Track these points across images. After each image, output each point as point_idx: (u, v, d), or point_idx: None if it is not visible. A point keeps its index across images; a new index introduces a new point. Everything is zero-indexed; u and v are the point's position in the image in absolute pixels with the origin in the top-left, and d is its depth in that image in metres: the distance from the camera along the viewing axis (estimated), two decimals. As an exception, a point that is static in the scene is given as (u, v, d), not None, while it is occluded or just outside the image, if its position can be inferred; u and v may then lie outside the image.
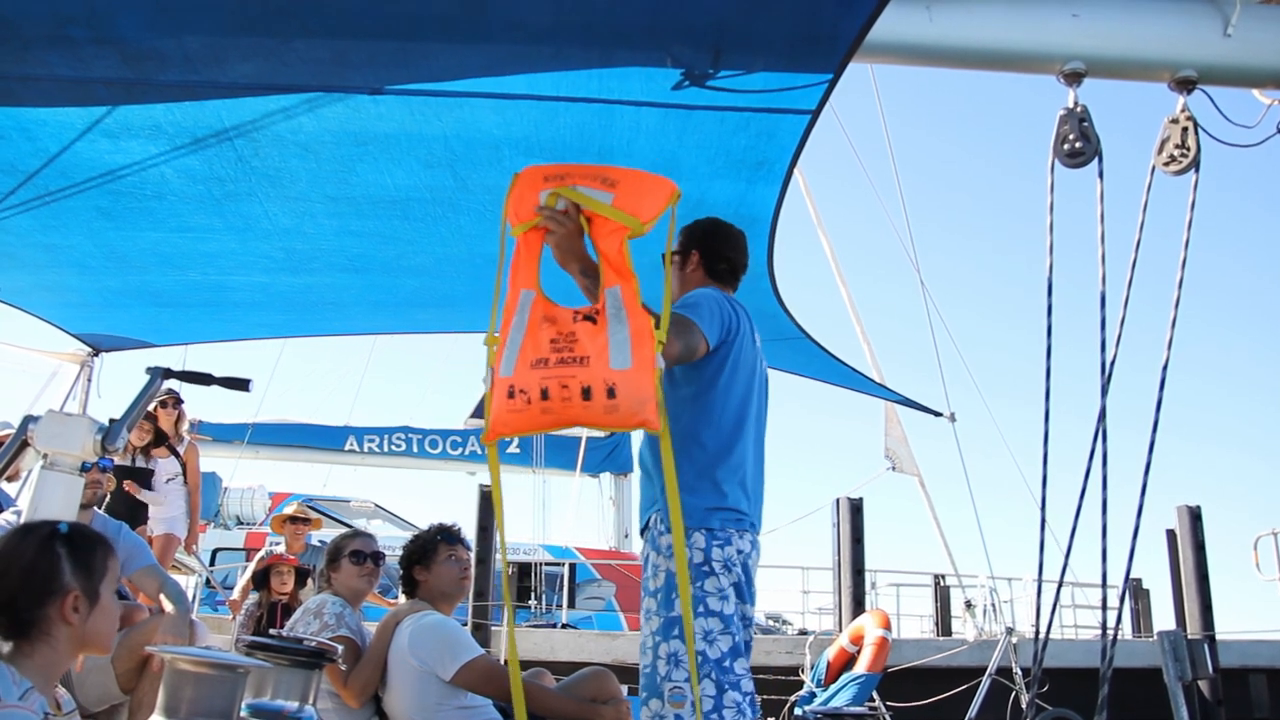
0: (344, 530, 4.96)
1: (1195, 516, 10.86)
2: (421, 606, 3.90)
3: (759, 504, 3.04)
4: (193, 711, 2.38)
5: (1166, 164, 3.43)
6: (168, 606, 4.07)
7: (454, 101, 3.42)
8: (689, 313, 2.86)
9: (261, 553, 7.61)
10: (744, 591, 2.84)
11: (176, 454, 7.08)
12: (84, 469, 2.86)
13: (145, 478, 6.76)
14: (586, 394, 2.35)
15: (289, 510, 7.66)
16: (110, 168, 3.77)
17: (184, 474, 7.14)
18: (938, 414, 9.03)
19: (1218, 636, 10.22)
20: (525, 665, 4.01)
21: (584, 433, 16.04)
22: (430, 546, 4.01)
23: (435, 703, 3.68)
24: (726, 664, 2.69)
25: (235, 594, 7.80)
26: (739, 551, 2.82)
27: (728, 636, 2.72)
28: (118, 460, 6.27)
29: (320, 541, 7.53)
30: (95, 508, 4.44)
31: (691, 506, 2.80)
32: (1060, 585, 3.59)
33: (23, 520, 2.75)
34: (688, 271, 3.25)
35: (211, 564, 13.15)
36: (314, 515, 7.69)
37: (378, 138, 3.64)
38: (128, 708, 3.86)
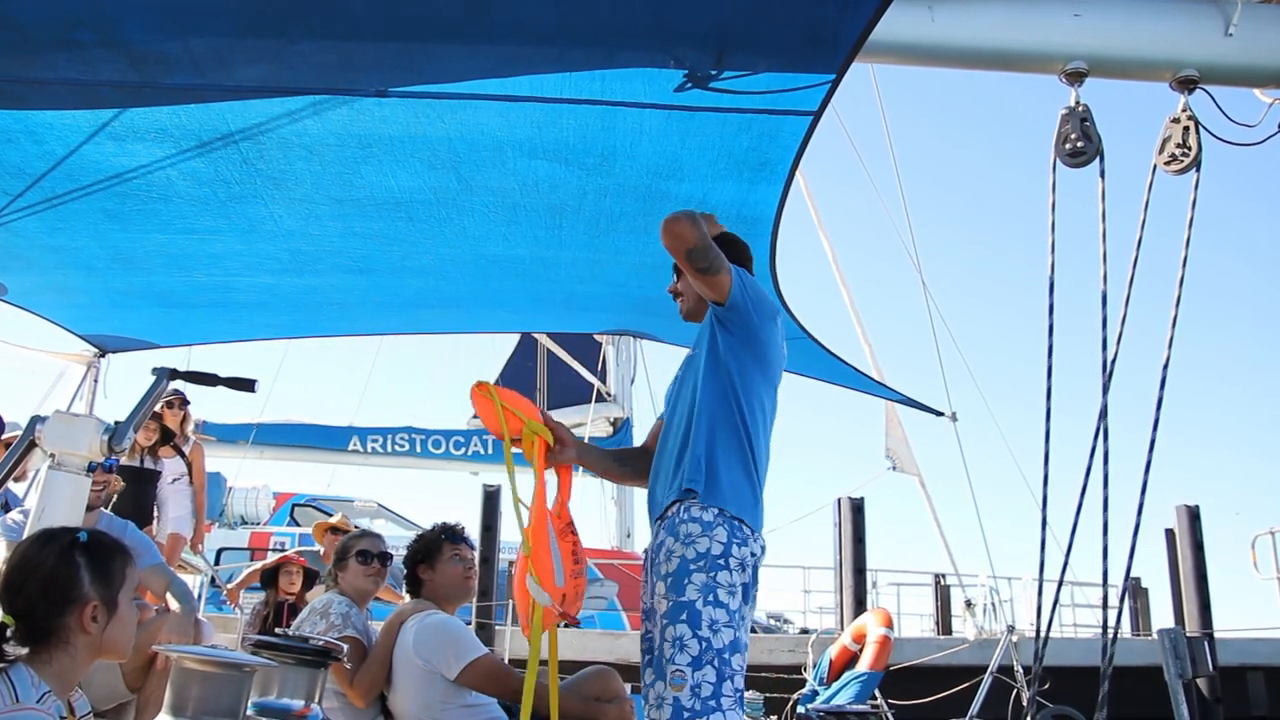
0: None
1: (1194, 516, 10.89)
2: (426, 606, 3.92)
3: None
4: (199, 710, 2.40)
5: (1168, 163, 3.44)
6: (174, 605, 4.09)
7: (458, 104, 3.44)
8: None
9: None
10: (749, 594, 2.85)
11: (182, 454, 7.09)
12: (90, 469, 2.87)
13: (152, 480, 6.77)
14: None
15: (333, 520, 7.64)
16: (117, 170, 3.79)
17: (189, 474, 7.16)
18: (939, 413, 9.05)
19: (1216, 635, 10.24)
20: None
21: (586, 432, 16.07)
22: (434, 546, 4.03)
23: (440, 701, 3.70)
24: (726, 655, 2.71)
25: (234, 584, 7.83)
26: (752, 554, 2.84)
27: (730, 630, 2.73)
28: (124, 460, 6.28)
29: None
30: (102, 508, 4.45)
31: (727, 496, 2.83)
32: (1060, 584, 3.60)
33: (30, 521, 2.77)
34: None
35: (216, 563, 13.14)
36: (353, 528, 7.66)
37: (382, 140, 3.66)
38: (134, 706, 3.88)
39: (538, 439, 3.07)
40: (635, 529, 17.19)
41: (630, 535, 17.09)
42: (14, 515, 4.27)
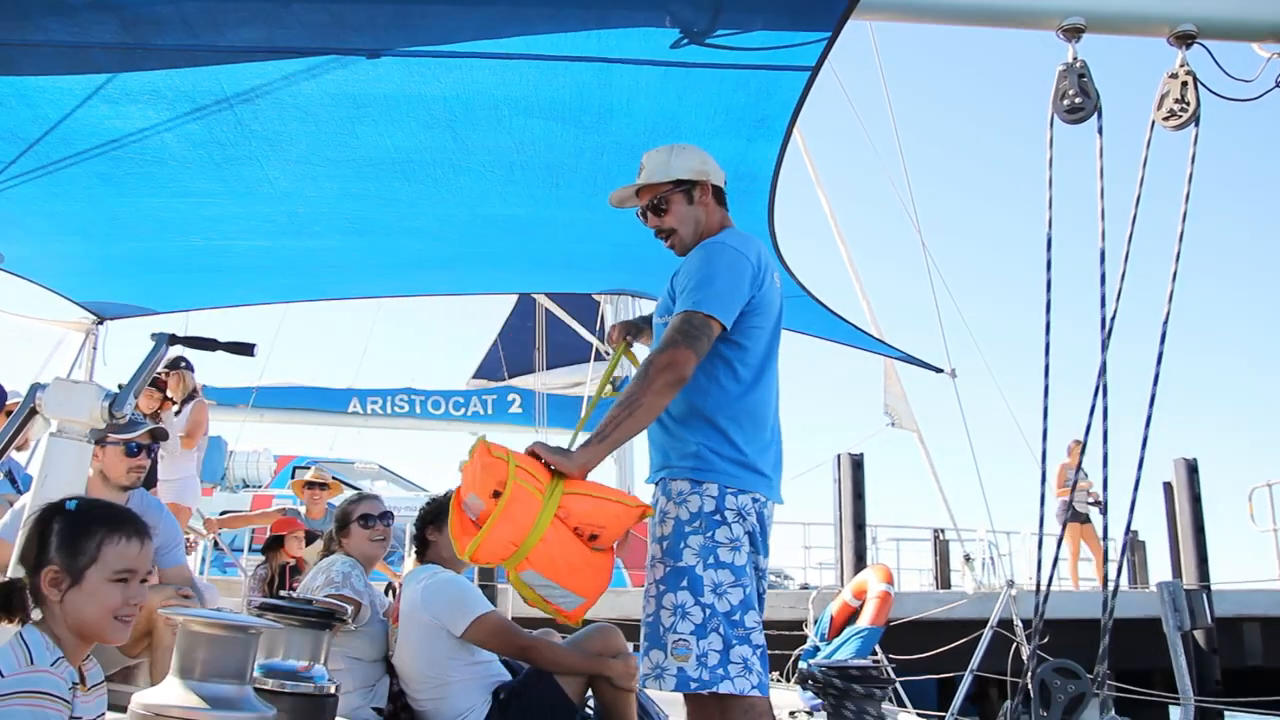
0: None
1: (1192, 469, 10.95)
2: (433, 569, 3.97)
3: (779, 468, 2.90)
4: (207, 672, 2.42)
5: (1166, 119, 3.41)
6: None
7: (452, 62, 3.41)
8: (703, 292, 2.71)
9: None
10: (758, 541, 2.73)
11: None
12: (100, 443, 2.86)
13: (162, 437, 6.80)
14: None
15: (308, 475, 7.66)
16: (111, 134, 3.77)
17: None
18: (938, 370, 9.04)
19: (1213, 586, 10.33)
20: (533, 624, 4.08)
21: (586, 392, 16.10)
22: (445, 509, 4.05)
23: (445, 657, 3.75)
24: (736, 617, 2.61)
25: (221, 518, 7.88)
26: (754, 500, 2.72)
27: (739, 589, 2.62)
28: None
29: (331, 506, 7.57)
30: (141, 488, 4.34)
31: (710, 458, 2.71)
32: (1060, 538, 3.63)
33: (33, 488, 2.78)
34: (701, 201, 3.01)
35: (218, 527, 13.22)
36: (331, 480, 7.69)
37: (377, 99, 3.63)
38: (144, 668, 3.91)
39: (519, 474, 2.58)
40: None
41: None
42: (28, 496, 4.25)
